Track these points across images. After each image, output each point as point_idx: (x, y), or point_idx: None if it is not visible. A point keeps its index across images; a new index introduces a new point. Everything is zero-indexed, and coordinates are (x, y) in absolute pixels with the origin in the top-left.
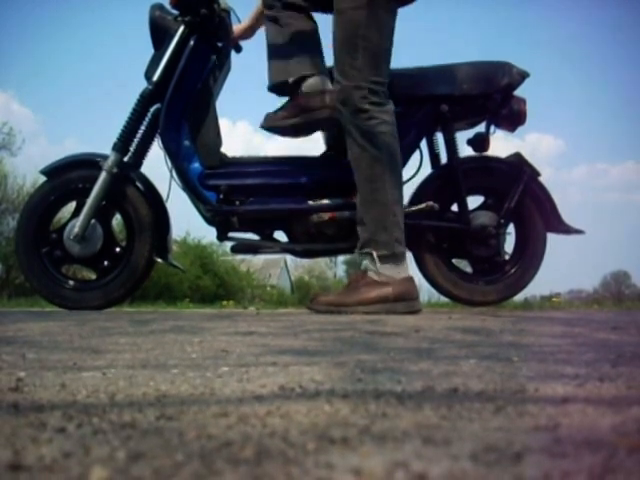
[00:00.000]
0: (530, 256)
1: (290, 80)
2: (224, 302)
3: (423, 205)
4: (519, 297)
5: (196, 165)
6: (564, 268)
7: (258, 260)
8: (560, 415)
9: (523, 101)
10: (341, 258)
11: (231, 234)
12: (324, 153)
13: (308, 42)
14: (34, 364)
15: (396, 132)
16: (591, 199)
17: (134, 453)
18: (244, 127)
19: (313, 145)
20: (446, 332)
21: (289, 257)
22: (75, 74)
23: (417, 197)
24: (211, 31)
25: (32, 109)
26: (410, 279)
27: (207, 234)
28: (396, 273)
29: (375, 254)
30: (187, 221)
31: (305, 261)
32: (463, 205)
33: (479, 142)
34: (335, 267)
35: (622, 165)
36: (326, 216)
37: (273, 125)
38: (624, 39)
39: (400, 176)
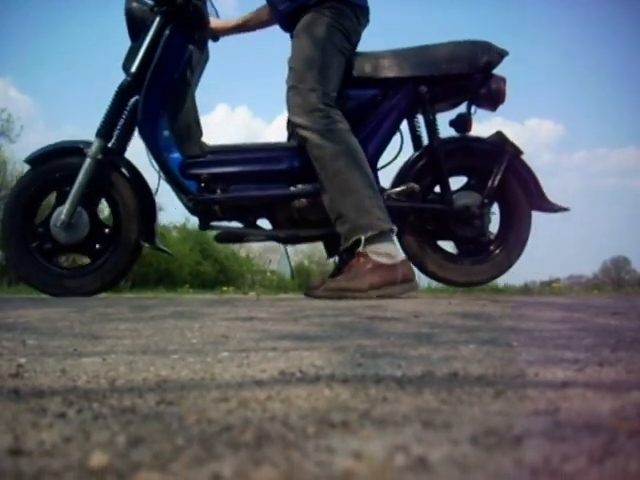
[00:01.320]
0: (515, 235)
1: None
2: (224, 288)
3: (404, 187)
4: (519, 282)
5: (176, 155)
6: (564, 253)
7: (258, 246)
8: (560, 399)
9: (502, 80)
10: None
11: (214, 223)
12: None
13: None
14: (34, 350)
15: (350, 130)
16: (591, 184)
17: (134, 438)
18: (243, 112)
19: None
20: (446, 317)
21: None
22: (74, 60)
23: (399, 179)
24: (187, 21)
25: (30, 95)
26: (407, 260)
27: None
28: (395, 254)
29: (363, 238)
30: None
31: (305, 246)
32: (445, 186)
33: (461, 123)
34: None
35: (622, 150)
36: (308, 202)
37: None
38: (625, 24)
39: (365, 164)
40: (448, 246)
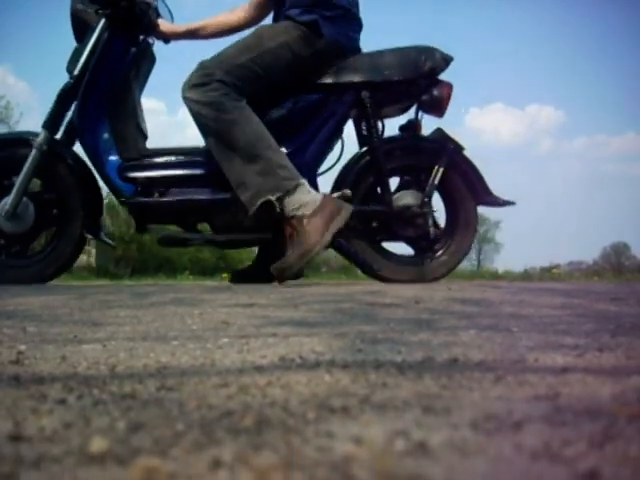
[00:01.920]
0: (462, 231)
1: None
2: (224, 274)
3: (339, 193)
4: (519, 268)
5: (114, 158)
6: (564, 240)
7: None
8: (560, 384)
9: (448, 86)
10: None
11: (152, 226)
12: None
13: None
14: (34, 337)
15: (246, 106)
16: (591, 170)
17: (134, 423)
18: None
19: None
20: (446, 303)
21: None
22: (72, 45)
23: (339, 182)
24: (131, 24)
25: (29, 82)
26: (328, 194)
27: None
28: (314, 199)
29: (273, 198)
30: None
31: None
32: (385, 187)
33: (409, 128)
34: None
35: (622, 136)
36: (244, 207)
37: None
38: (626, 9)
39: (261, 128)
40: (400, 247)
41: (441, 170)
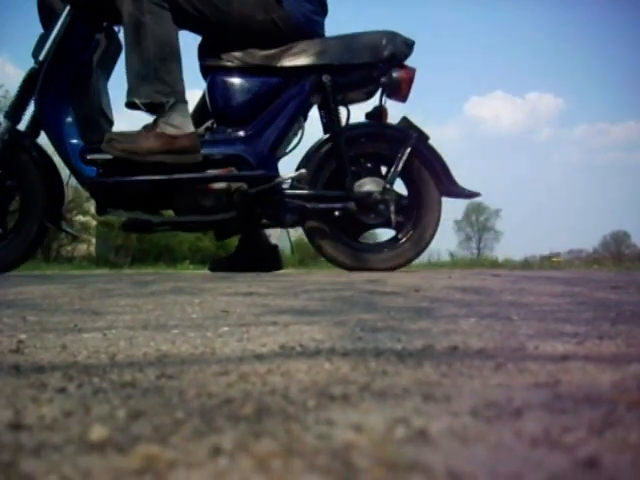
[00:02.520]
0: (425, 221)
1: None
2: None
3: (295, 173)
4: (519, 256)
5: (76, 141)
6: (564, 228)
7: None
8: (560, 372)
9: (409, 70)
10: None
11: (115, 209)
12: (205, 125)
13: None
14: (35, 326)
15: (169, 19)
16: (591, 158)
17: (134, 412)
18: None
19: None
20: (446, 291)
21: None
22: None
23: (301, 167)
24: (97, 11)
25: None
26: (194, 134)
27: None
28: (183, 126)
29: (138, 101)
30: None
31: None
32: (346, 173)
33: (375, 114)
34: None
35: (623, 124)
36: (203, 188)
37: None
38: None
39: (166, 39)
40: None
41: (404, 158)
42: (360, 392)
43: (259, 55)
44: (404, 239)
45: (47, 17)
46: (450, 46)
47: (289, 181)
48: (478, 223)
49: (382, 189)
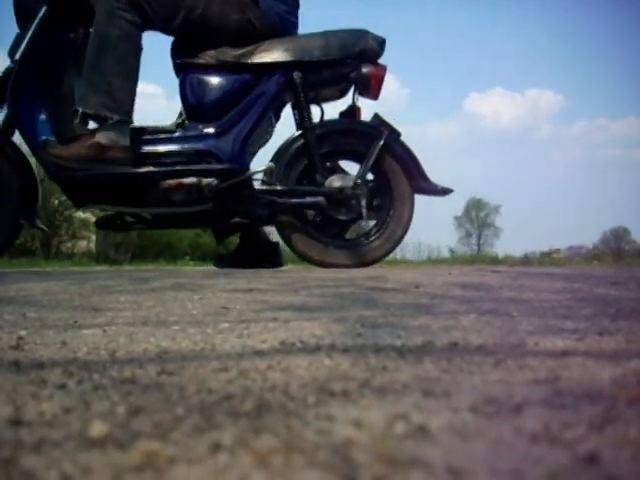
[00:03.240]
0: (397, 217)
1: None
2: None
3: (264, 167)
4: (519, 253)
5: (50, 138)
6: (564, 224)
7: None
8: (560, 368)
9: (379, 68)
10: None
11: (89, 205)
12: (174, 122)
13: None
14: (35, 323)
15: (137, 38)
16: (591, 154)
17: (134, 408)
18: None
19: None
20: (446, 288)
21: None
22: None
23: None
24: (73, 12)
25: None
26: (128, 148)
27: None
28: (117, 140)
29: (80, 110)
30: None
31: None
32: (316, 169)
33: (348, 113)
34: None
35: (623, 120)
36: (174, 183)
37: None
38: None
39: (126, 61)
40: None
41: (375, 154)
42: (360, 388)
43: (231, 53)
44: (376, 236)
45: (24, 17)
46: (450, 43)
47: (261, 177)
48: (478, 219)
49: (353, 184)
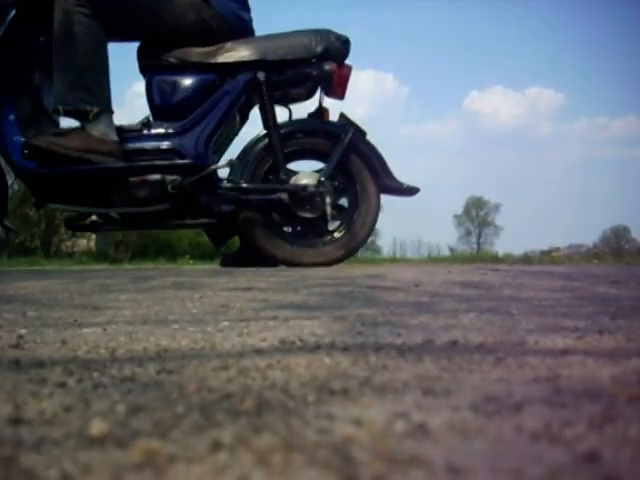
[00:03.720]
0: (362, 216)
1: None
2: None
3: (224, 163)
4: (519, 251)
5: (18, 138)
6: (564, 222)
7: None
8: (560, 367)
9: (342, 67)
10: None
11: (54, 205)
12: (140, 122)
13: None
14: (35, 321)
15: (99, 30)
16: (592, 153)
17: (134, 406)
18: None
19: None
20: (446, 286)
21: None
22: None
23: (238, 163)
24: (41, 13)
25: None
26: (119, 144)
27: None
28: (107, 134)
29: (62, 109)
30: None
31: None
32: (280, 168)
33: (317, 114)
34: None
35: (623, 119)
36: (138, 180)
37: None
38: None
39: (95, 54)
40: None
41: (339, 153)
42: (360, 387)
43: (195, 53)
44: (340, 234)
45: None
46: (449, 41)
47: (225, 175)
48: (478, 218)
49: (317, 182)
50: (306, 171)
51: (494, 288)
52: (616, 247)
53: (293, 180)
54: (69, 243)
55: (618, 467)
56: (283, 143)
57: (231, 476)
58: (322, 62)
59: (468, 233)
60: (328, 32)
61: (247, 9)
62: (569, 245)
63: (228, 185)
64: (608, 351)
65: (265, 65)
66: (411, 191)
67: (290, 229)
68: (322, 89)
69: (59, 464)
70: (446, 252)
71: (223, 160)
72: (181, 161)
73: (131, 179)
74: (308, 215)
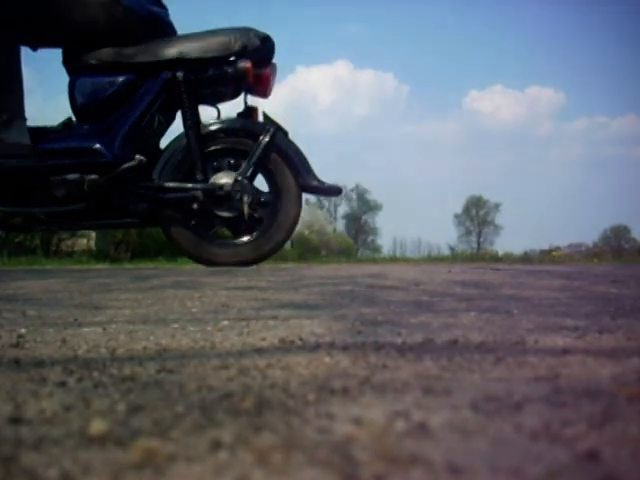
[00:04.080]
0: (282, 215)
1: None
2: None
3: (134, 162)
4: (519, 250)
5: None
6: (564, 222)
7: None
8: (560, 366)
9: (268, 66)
10: (341, 212)
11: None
12: (61, 122)
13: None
14: (35, 321)
15: (9, 37)
16: (592, 152)
17: (134, 406)
18: None
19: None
20: (446, 285)
21: None
22: None
23: (161, 164)
24: None
25: (26, 65)
26: (33, 146)
27: None
28: (22, 139)
29: None
30: None
31: (304, 215)
32: (197, 167)
33: (245, 113)
34: (335, 222)
35: (623, 118)
36: (57, 179)
37: None
38: None
39: (5, 62)
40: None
41: (259, 151)
42: (360, 386)
43: (114, 53)
44: (258, 234)
45: None
46: (449, 40)
47: (140, 175)
48: (478, 217)
49: (234, 181)
50: (226, 171)
51: (494, 287)
52: (616, 246)
53: (213, 179)
54: (69, 242)
55: (618, 466)
56: (206, 142)
57: (231, 475)
58: (238, 60)
59: (468, 232)
60: (248, 30)
61: (159, 4)
62: (569, 244)
63: (144, 184)
64: (608, 350)
65: (184, 64)
66: (333, 190)
67: (209, 228)
68: (244, 88)
69: (59, 463)
70: (446, 251)
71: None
72: (99, 160)
73: (51, 179)
74: (225, 214)
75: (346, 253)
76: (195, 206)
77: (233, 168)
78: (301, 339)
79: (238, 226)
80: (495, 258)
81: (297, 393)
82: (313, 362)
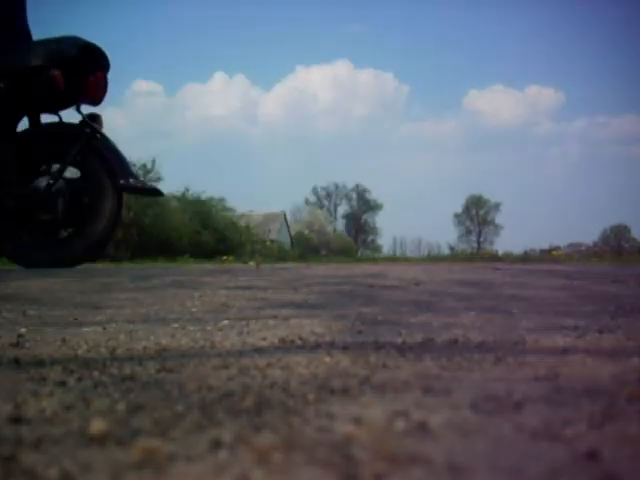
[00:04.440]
0: (98, 216)
1: None
2: (224, 257)
3: None
4: (519, 250)
5: None
6: (564, 221)
7: (258, 215)
8: (560, 365)
9: (96, 74)
10: (341, 211)
11: None
12: None
13: None
14: (35, 320)
15: None
16: (592, 152)
17: (134, 405)
18: (241, 80)
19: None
20: (446, 285)
21: (288, 211)
22: (71, 27)
23: None
24: None
25: None
26: None
27: (206, 189)
28: None
29: None
30: (186, 177)
31: (305, 215)
32: (10, 174)
33: (92, 120)
34: (335, 221)
35: (623, 118)
36: None
37: None
38: None
39: None
40: None
41: (72, 154)
42: (360, 385)
43: None
44: (75, 235)
45: None
46: (449, 39)
47: None
48: (478, 217)
49: (46, 185)
50: (42, 174)
51: (494, 287)
52: (616, 246)
53: (36, 183)
54: None
55: (618, 465)
56: (26, 148)
57: (231, 475)
58: (49, 70)
59: (468, 232)
60: (66, 39)
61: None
62: (569, 244)
63: None
64: (608, 350)
65: (4, 73)
66: (152, 191)
67: (25, 230)
68: (73, 96)
69: (59, 463)
70: (446, 251)
71: None
72: None
73: None
74: (43, 217)
75: (346, 253)
76: (11, 209)
77: (49, 171)
78: (301, 339)
79: (53, 227)
80: (495, 258)
81: (297, 392)
82: (313, 362)
